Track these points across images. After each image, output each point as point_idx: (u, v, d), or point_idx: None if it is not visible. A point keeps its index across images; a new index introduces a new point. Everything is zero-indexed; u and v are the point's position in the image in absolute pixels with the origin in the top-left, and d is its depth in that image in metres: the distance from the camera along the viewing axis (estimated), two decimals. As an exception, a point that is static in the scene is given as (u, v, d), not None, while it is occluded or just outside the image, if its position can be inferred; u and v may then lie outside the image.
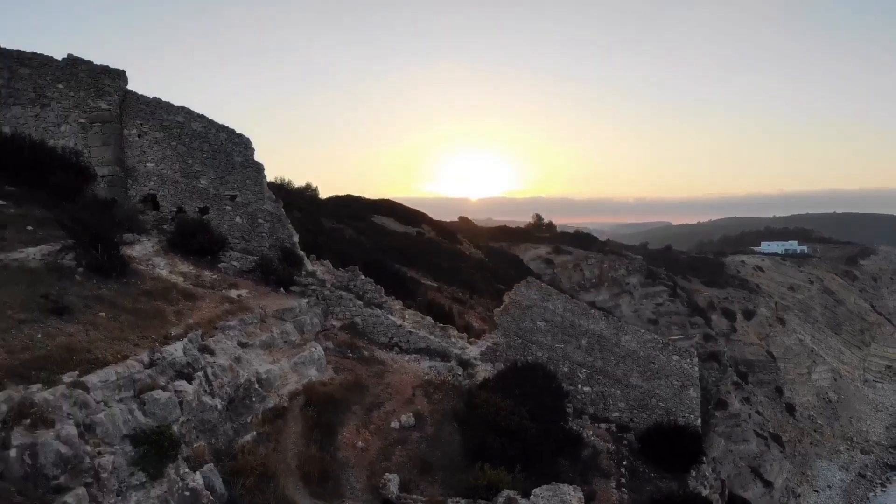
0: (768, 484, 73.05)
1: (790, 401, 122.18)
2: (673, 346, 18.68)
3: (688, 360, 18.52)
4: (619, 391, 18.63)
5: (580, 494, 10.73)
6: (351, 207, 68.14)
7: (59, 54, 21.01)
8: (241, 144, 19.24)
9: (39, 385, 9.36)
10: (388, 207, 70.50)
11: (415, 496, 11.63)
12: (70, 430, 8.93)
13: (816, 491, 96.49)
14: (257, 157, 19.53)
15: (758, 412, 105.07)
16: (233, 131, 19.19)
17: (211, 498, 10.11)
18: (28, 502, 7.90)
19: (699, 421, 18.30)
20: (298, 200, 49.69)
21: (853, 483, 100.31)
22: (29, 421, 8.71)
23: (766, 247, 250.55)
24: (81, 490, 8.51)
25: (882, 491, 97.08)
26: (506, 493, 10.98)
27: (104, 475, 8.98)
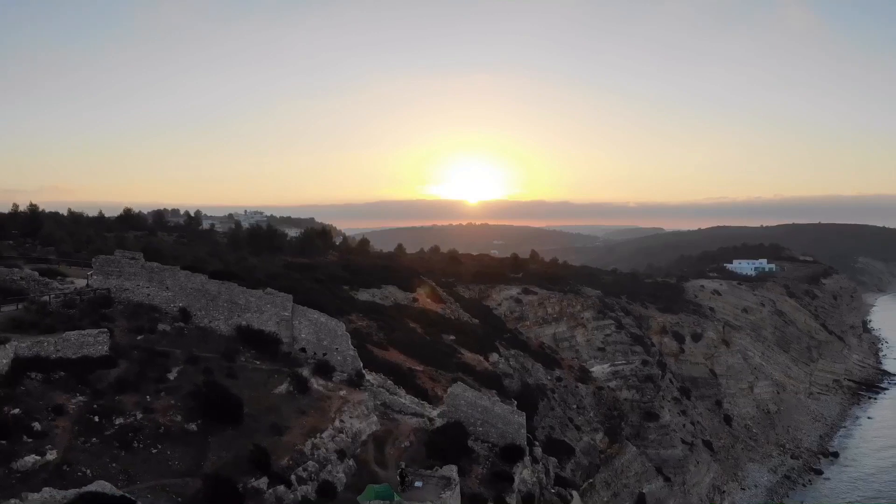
0: (668, 479, 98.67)
1: (728, 412, 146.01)
2: (516, 412, 46.01)
3: (521, 417, 45.87)
4: (493, 430, 45.90)
5: (455, 467, 37.99)
6: (370, 277, 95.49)
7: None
8: (341, 326, 46.59)
9: (355, 442, 36.62)
10: (393, 275, 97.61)
11: (411, 469, 38.84)
12: (324, 451, 36.25)
13: (744, 489, 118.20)
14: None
15: (693, 423, 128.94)
16: (338, 321, 46.55)
17: (354, 469, 37.36)
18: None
19: (524, 442, 45.68)
20: (321, 263, 76.62)
21: (778, 483, 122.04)
22: (317, 449, 35.99)
23: (737, 265, 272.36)
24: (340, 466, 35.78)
25: (802, 488, 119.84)
26: (435, 468, 38.29)
27: (337, 464, 36.20)
